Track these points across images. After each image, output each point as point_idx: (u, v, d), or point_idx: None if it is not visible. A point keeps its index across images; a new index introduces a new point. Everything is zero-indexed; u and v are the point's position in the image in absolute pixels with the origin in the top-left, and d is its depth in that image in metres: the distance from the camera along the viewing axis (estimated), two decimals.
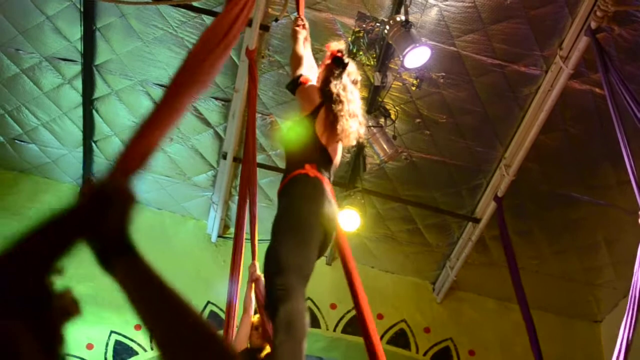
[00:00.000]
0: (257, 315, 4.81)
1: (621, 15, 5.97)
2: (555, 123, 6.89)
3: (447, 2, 6.11)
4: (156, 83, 7.08)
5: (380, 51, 6.32)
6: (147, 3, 6.33)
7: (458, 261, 8.33)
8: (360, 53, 6.28)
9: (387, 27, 6.04)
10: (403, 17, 5.96)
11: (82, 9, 6.52)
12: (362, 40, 6.23)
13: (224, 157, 7.55)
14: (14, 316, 1.03)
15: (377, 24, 6.18)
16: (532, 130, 6.85)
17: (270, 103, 7.14)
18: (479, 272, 8.58)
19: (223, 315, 5.25)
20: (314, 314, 8.11)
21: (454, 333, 8.68)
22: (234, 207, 7.67)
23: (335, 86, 3.55)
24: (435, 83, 6.76)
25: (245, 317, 5.01)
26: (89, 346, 7.59)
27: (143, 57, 6.89)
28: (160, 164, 7.90)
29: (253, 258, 4.87)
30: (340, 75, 3.60)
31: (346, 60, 3.67)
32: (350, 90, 3.59)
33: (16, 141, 7.89)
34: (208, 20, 6.42)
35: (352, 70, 3.69)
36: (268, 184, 7.70)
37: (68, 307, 1.15)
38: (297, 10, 4.30)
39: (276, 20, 6.08)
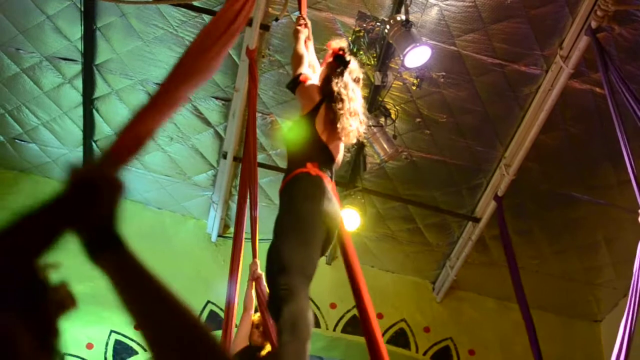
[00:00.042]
0: (258, 314, 4.81)
1: (621, 15, 5.97)
2: (555, 122, 6.89)
3: (447, 2, 6.11)
4: (156, 82, 7.07)
5: (381, 51, 6.32)
6: (148, 2, 6.33)
7: (458, 261, 8.33)
8: (361, 52, 6.28)
9: (388, 26, 6.04)
10: (403, 17, 5.96)
11: (82, 9, 6.52)
12: (362, 39, 6.24)
13: (224, 157, 7.54)
14: (7, 309, 1.01)
15: (378, 24, 6.18)
16: (532, 129, 6.85)
17: (271, 102, 7.14)
18: (479, 272, 8.58)
19: (223, 315, 5.25)
20: (313, 314, 8.11)
21: (454, 332, 8.68)
22: (234, 206, 7.66)
23: (336, 84, 3.54)
24: (436, 82, 6.76)
25: (246, 316, 5.02)
26: (89, 346, 7.59)
27: (143, 57, 6.89)
28: (161, 163, 7.90)
29: (254, 257, 4.87)
30: (341, 73, 3.59)
31: (348, 58, 3.66)
32: (351, 88, 3.59)
33: (16, 140, 7.89)
34: (208, 19, 6.42)
35: (354, 67, 3.68)
36: (268, 184, 7.70)
37: (64, 301, 1.13)
38: (299, 9, 4.28)
39: (276, 19, 6.08)
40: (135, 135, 1.82)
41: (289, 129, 3.70)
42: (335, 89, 3.52)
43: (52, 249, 1.12)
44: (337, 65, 3.63)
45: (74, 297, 1.15)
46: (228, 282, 4.89)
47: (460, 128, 7.17)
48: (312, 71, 3.85)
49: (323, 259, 8.07)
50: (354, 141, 3.69)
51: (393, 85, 6.72)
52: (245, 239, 5.18)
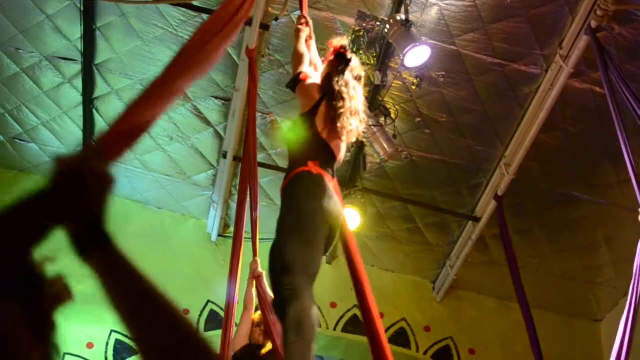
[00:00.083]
0: (258, 312, 4.81)
1: (621, 14, 5.97)
2: (555, 122, 6.89)
3: (447, 1, 6.10)
4: None
5: (380, 50, 6.32)
6: (147, 2, 6.33)
7: (458, 260, 8.34)
8: (360, 52, 6.27)
9: (387, 26, 6.04)
10: (403, 16, 5.95)
11: (82, 8, 6.51)
12: (362, 39, 6.23)
13: (224, 156, 7.54)
14: (4, 301, 1.00)
15: (377, 23, 6.17)
16: (532, 129, 6.85)
17: (270, 102, 7.14)
18: (479, 271, 8.58)
19: (223, 314, 5.25)
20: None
21: (454, 332, 8.68)
22: (233, 206, 7.66)
23: (337, 82, 3.52)
24: (435, 82, 6.76)
25: (246, 314, 5.02)
26: (89, 345, 7.60)
27: (143, 56, 6.89)
28: (160, 162, 7.90)
29: (254, 255, 4.87)
30: (342, 71, 3.57)
31: (349, 55, 3.64)
32: (352, 86, 3.57)
33: (16, 140, 7.89)
34: None
35: (355, 65, 3.66)
36: (268, 183, 7.70)
37: (60, 293, 1.11)
38: (300, 8, 4.28)
39: (276, 19, 6.08)
40: (129, 127, 1.74)
41: (289, 128, 3.69)
42: (336, 87, 3.50)
43: (40, 241, 1.09)
44: (338, 63, 3.61)
45: (70, 290, 1.13)
46: (228, 281, 4.89)
47: (460, 127, 7.17)
48: (314, 69, 3.84)
49: (323, 259, 8.06)
50: (353, 140, 3.69)
51: (393, 84, 6.71)
52: (245, 238, 5.18)
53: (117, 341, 7.66)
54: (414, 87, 6.51)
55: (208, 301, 8.00)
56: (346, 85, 3.53)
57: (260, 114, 7.08)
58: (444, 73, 6.68)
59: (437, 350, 8.58)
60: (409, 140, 7.32)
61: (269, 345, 4.65)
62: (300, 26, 3.97)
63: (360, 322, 8.11)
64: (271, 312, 4.05)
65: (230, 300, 4.84)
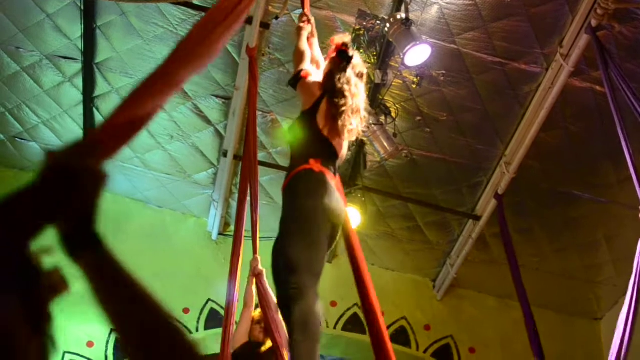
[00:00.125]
0: (258, 310, 4.81)
1: (622, 13, 5.97)
2: (555, 121, 6.88)
3: (447, 0, 6.10)
4: None
5: (381, 49, 6.32)
6: (148, 1, 6.32)
7: (458, 259, 8.34)
8: (361, 51, 6.27)
9: (388, 24, 6.04)
10: (403, 15, 5.95)
11: (82, 7, 6.52)
12: (362, 38, 6.23)
13: (225, 155, 7.55)
14: (2, 293, 1.00)
15: (378, 22, 6.17)
16: (532, 128, 6.85)
17: (271, 101, 7.14)
18: (479, 270, 8.58)
19: (223, 313, 5.25)
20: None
21: (454, 330, 8.68)
22: (234, 204, 7.66)
23: (339, 80, 3.50)
24: (436, 81, 6.76)
25: (246, 312, 5.03)
26: (90, 344, 7.61)
27: (143, 55, 6.89)
28: (161, 161, 7.91)
29: (255, 253, 4.87)
30: (344, 69, 3.56)
31: (351, 53, 3.63)
32: (354, 84, 3.55)
33: (17, 139, 7.89)
34: None
35: (357, 62, 3.64)
36: (269, 182, 7.69)
37: (56, 285, 1.09)
38: (302, 6, 4.27)
39: (277, 18, 6.07)
40: (126, 121, 1.65)
41: (290, 126, 3.68)
42: (338, 84, 3.48)
43: (38, 234, 1.07)
44: (340, 60, 3.58)
45: (66, 282, 1.10)
46: (228, 280, 4.90)
47: (460, 126, 7.17)
48: (316, 67, 3.84)
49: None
50: (354, 139, 3.68)
51: (393, 83, 6.71)
52: (246, 237, 5.18)
53: (117, 340, 7.66)
54: (414, 86, 6.51)
55: (208, 300, 8.01)
56: (348, 82, 3.51)
57: (260, 112, 7.08)
58: (444, 72, 6.68)
59: (438, 349, 8.59)
60: (410, 139, 7.32)
61: (269, 343, 4.65)
62: (302, 24, 3.96)
63: (360, 321, 8.14)
64: (275, 311, 4.05)
65: (230, 299, 4.85)
